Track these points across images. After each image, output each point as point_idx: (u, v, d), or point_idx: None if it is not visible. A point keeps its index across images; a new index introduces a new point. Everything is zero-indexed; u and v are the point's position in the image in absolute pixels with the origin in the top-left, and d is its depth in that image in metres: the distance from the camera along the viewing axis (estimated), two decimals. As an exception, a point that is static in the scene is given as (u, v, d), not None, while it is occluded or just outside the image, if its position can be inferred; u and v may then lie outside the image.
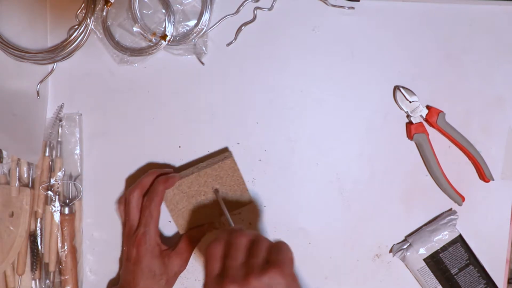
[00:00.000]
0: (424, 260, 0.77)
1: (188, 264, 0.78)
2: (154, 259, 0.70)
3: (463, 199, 0.78)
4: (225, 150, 0.78)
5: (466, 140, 0.77)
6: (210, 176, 0.73)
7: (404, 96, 0.77)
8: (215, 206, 0.75)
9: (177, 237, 0.78)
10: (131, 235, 0.71)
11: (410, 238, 0.78)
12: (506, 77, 0.79)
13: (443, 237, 0.77)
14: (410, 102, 0.77)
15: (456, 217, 0.78)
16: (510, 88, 0.80)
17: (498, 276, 0.80)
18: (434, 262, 0.77)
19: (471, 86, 0.80)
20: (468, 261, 0.78)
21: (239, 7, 0.77)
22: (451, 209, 0.80)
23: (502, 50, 0.79)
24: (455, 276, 0.77)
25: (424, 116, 0.77)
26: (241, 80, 0.78)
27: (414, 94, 0.77)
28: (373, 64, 0.79)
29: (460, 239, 0.78)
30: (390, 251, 0.80)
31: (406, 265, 0.79)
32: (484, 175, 0.78)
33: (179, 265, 0.73)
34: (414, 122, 0.77)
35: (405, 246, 0.78)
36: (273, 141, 0.79)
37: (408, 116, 0.78)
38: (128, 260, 0.71)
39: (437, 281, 0.77)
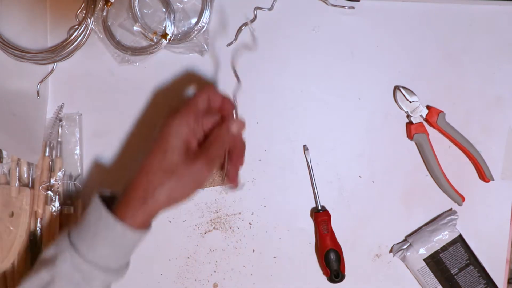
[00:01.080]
0: (424, 260, 0.77)
1: (188, 264, 0.78)
2: (178, 134, 0.62)
3: (463, 199, 0.78)
4: None
5: (466, 140, 0.77)
6: None
7: (404, 96, 0.77)
8: None
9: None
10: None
11: (410, 238, 0.78)
12: (506, 77, 0.79)
13: (443, 237, 0.77)
14: (410, 102, 0.77)
15: (456, 217, 0.78)
16: (510, 88, 0.80)
17: (498, 276, 0.80)
18: (434, 262, 0.77)
19: (471, 86, 0.80)
20: (468, 261, 0.78)
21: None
22: (451, 209, 0.80)
23: (502, 50, 0.79)
24: (455, 276, 0.77)
25: (424, 116, 0.77)
26: (241, 80, 0.78)
27: (414, 94, 0.77)
28: (373, 64, 0.79)
29: (460, 239, 0.78)
30: (390, 251, 0.80)
31: (406, 265, 0.79)
32: (484, 175, 0.78)
33: (199, 172, 0.62)
34: (414, 122, 0.77)
35: (405, 246, 0.78)
36: (273, 141, 0.79)
37: (408, 116, 0.78)
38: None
39: (437, 281, 0.77)
